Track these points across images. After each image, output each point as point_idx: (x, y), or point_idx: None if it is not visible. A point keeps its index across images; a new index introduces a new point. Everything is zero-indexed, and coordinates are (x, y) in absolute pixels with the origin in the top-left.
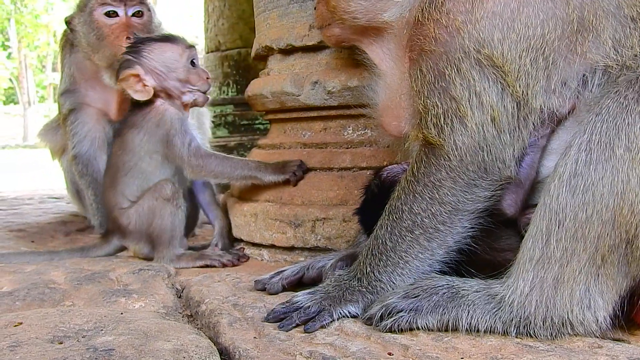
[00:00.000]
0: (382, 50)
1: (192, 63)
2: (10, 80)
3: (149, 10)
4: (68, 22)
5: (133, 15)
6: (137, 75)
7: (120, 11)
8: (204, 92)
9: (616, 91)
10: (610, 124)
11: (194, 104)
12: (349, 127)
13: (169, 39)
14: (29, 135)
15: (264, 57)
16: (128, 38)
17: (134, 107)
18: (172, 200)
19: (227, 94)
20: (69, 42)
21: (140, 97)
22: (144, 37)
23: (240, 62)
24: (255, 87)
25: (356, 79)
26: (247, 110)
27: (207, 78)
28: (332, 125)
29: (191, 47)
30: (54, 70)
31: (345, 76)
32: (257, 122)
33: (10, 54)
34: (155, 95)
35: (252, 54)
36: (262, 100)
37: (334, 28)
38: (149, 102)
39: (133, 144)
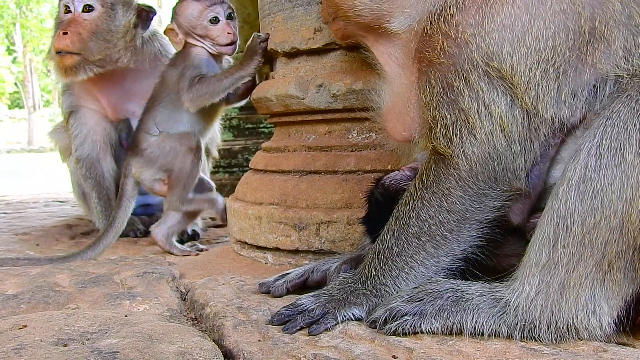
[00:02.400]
0: (388, 54)
1: (213, 20)
2: (16, 84)
3: (102, 7)
4: None
5: (83, 10)
6: (173, 30)
7: (71, 6)
8: (226, 45)
9: (627, 95)
10: (621, 129)
11: (222, 54)
12: (354, 130)
13: None
14: (33, 139)
15: (269, 59)
16: (62, 33)
17: (177, 54)
18: (195, 152)
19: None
20: None
21: (177, 46)
22: None
23: None
24: (259, 90)
25: (361, 82)
26: (252, 113)
27: (229, 33)
28: (337, 129)
29: (214, 5)
30: None
31: (350, 79)
32: (261, 125)
33: (15, 58)
34: (191, 44)
35: None
36: (267, 103)
37: (339, 22)
38: (186, 48)
39: (169, 78)
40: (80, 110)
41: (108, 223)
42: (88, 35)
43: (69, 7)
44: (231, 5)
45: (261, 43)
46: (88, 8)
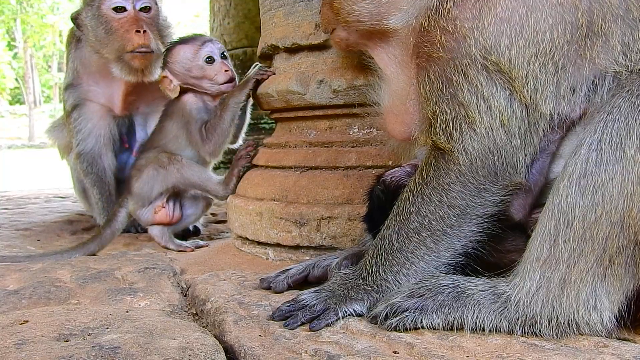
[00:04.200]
0: (387, 55)
1: (208, 60)
2: (16, 80)
3: (156, 4)
4: (74, 18)
5: (140, 10)
6: (166, 77)
7: (129, 5)
8: (224, 83)
9: (628, 90)
10: (622, 124)
11: (222, 93)
12: (355, 125)
13: (184, 41)
14: (34, 135)
15: (270, 55)
16: (138, 31)
17: (171, 101)
18: (169, 158)
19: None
20: (75, 38)
21: (172, 94)
22: (170, 43)
23: (246, 62)
24: (260, 86)
25: (362, 77)
26: (253, 109)
27: (226, 70)
28: (338, 124)
29: (205, 43)
30: (59, 70)
31: (351, 75)
32: (262, 121)
33: (16, 53)
34: (186, 90)
35: (258, 53)
36: (268, 99)
37: (340, 32)
38: (180, 96)
39: (166, 128)
40: (85, 104)
41: (94, 235)
42: (154, 33)
43: (124, 7)
44: (222, 45)
45: (259, 77)
46: (146, 8)
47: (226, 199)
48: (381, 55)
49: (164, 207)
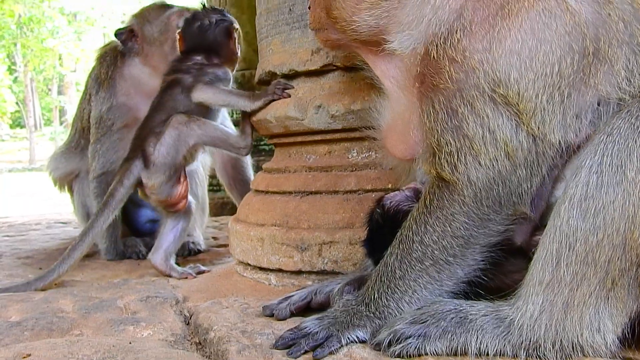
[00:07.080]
0: (384, 71)
1: None
2: (17, 103)
3: None
4: (122, 33)
5: None
6: None
7: None
8: None
9: (627, 111)
10: (622, 146)
11: None
12: (354, 150)
13: None
14: (35, 158)
15: (268, 82)
16: None
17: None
18: (189, 123)
19: (232, 116)
20: (117, 56)
21: None
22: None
23: (245, 84)
24: (259, 112)
25: (359, 102)
26: (253, 132)
27: None
28: (337, 149)
29: None
30: (59, 93)
31: (349, 99)
32: (262, 143)
33: (16, 77)
34: None
35: (256, 79)
36: (267, 124)
37: (332, 34)
38: None
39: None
40: (127, 126)
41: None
42: None
43: None
44: None
45: (282, 91)
46: None
47: (249, 150)
48: (377, 68)
49: (185, 179)
